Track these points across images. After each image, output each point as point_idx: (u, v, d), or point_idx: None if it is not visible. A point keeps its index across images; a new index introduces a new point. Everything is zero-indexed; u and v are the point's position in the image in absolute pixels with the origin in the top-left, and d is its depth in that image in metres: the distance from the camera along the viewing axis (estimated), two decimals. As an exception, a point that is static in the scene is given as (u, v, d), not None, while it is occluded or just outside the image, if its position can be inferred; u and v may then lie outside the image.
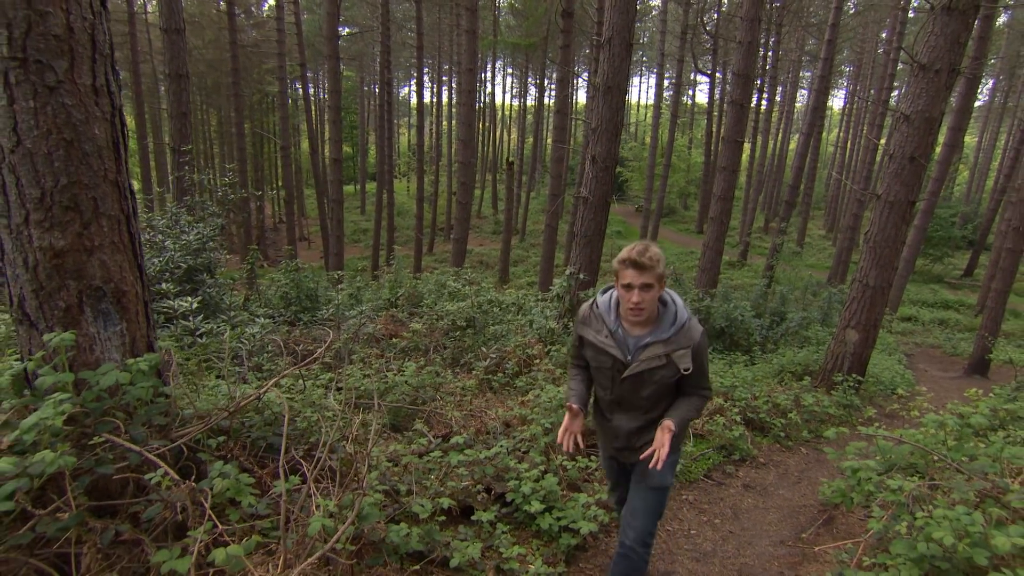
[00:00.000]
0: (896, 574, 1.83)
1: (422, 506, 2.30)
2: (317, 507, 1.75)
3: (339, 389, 3.82)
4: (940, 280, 27.29)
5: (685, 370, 2.04)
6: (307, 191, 43.92)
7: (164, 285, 5.24)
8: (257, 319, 5.53)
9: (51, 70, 1.68)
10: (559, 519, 2.72)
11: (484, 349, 5.95)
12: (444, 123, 45.45)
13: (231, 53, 22.75)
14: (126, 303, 2.00)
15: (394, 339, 6.62)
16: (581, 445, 2.15)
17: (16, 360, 2.19)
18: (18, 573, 1.30)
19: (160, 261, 5.90)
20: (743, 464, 4.10)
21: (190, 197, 7.32)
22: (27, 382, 1.87)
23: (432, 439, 3.34)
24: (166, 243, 6.16)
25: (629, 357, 2.08)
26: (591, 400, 2.34)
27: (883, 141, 26.21)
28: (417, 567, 2.16)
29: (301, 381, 3.46)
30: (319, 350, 3.15)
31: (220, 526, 1.43)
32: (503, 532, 2.53)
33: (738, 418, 4.49)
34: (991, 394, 3.56)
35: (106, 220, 1.89)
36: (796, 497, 3.70)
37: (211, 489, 1.48)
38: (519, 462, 2.92)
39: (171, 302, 4.91)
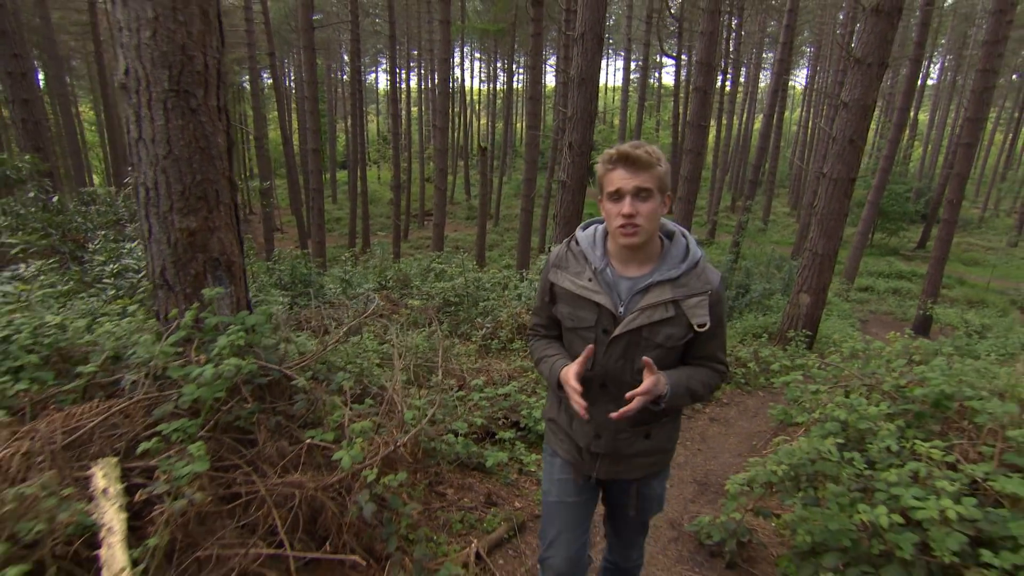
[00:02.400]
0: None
1: (461, 425, 2.97)
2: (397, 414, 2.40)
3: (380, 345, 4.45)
4: (896, 252, 28.78)
5: (700, 326, 1.44)
6: (278, 181, 43.70)
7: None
8: (277, 301, 6.09)
9: (194, 96, 2.26)
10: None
11: (480, 320, 6.62)
12: (414, 109, 45.55)
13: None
14: (234, 271, 2.60)
15: (394, 315, 7.25)
16: (585, 408, 1.43)
17: (143, 315, 2.79)
18: (222, 444, 1.92)
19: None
20: (709, 404, 4.86)
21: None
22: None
23: (451, 387, 4.01)
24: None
25: (622, 308, 1.46)
26: (550, 390, 1.71)
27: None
28: (459, 469, 2.84)
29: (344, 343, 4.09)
30: (363, 313, 3.78)
31: (349, 413, 2.08)
32: (521, 447, 3.22)
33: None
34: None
35: (223, 207, 2.49)
36: (753, 427, 4.48)
37: (340, 386, 2.11)
38: (528, 396, 3.61)
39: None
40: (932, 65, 43.74)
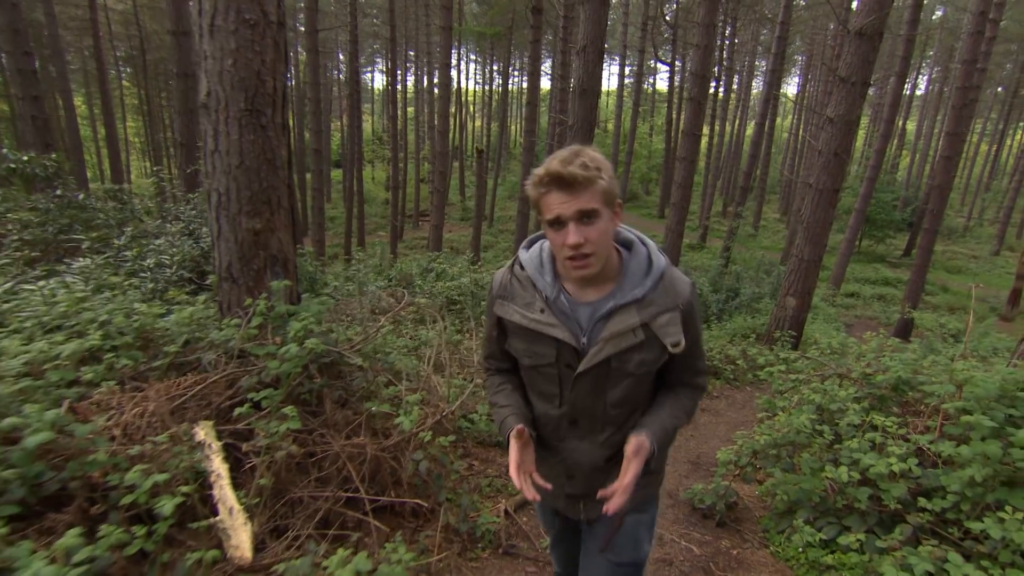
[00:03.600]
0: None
1: (483, 407, 3.34)
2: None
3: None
4: (882, 260, 29.42)
5: (674, 346, 1.25)
6: (274, 179, 43.75)
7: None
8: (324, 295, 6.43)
9: (264, 115, 2.62)
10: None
11: (484, 317, 7.01)
12: (410, 109, 45.86)
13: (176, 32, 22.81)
14: (289, 267, 2.96)
15: (402, 312, 7.61)
16: (548, 486, 1.28)
17: (203, 305, 3.14)
18: (297, 412, 2.28)
19: (192, 249, 6.71)
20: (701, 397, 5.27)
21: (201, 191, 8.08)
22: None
23: (470, 375, 4.39)
24: (199, 231, 6.96)
25: (584, 339, 1.27)
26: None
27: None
28: (481, 445, 3.21)
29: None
30: (397, 307, 4.14)
31: (404, 387, 2.45)
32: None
33: (696, 363, 5.69)
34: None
35: (282, 211, 2.85)
36: (740, 416, 4.88)
37: (392, 365, 2.48)
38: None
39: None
40: (920, 76, 44.65)
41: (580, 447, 1.37)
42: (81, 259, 4.20)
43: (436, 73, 31.91)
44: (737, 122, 40.02)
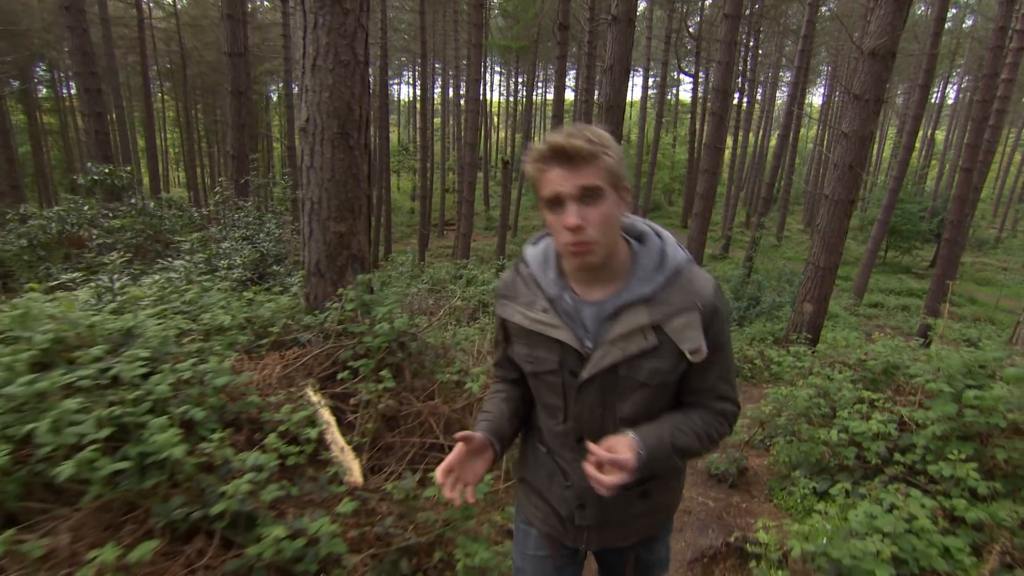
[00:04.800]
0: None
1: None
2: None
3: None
4: (908, 271, 29.24)
5: (692, 353, 1.08)
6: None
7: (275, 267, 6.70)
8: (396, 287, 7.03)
9: (352, 137, 3.18)
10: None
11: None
12: (436, 120, 46.86)
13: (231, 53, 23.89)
14: (365, 264, 3.50)
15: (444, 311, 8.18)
16: (469, 498, 1.16)
17: (290, 297, 3.70)
18: (383, 379, 2.81)
19: (252, 252, 7.35)
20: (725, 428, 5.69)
21: (254, 199, 8.76)
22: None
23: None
24: (256, 237, 7.60)
25: (589, 343, 1.12)
26: (523, 440, 1.39)
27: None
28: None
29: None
30: (447, 304, 4.67)
31: (473, 359, 2.96)
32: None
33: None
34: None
35: (362, 217, 3.39)
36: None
37: (459, 343, 3.00)
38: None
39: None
40: (950, 86, 44.24)
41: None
42: (175, 260, 4.81)
43: (463, 86, 32.74)
44: (761, 133, 40.13)
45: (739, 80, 32.34)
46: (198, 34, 33.65)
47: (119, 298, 3.27)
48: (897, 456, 2.44)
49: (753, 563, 2.08)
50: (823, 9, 31.74)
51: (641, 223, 1.22)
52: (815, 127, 53.57)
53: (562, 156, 1.00)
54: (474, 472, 1.16)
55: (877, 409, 2.79)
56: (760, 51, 35.36)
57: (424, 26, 23.69)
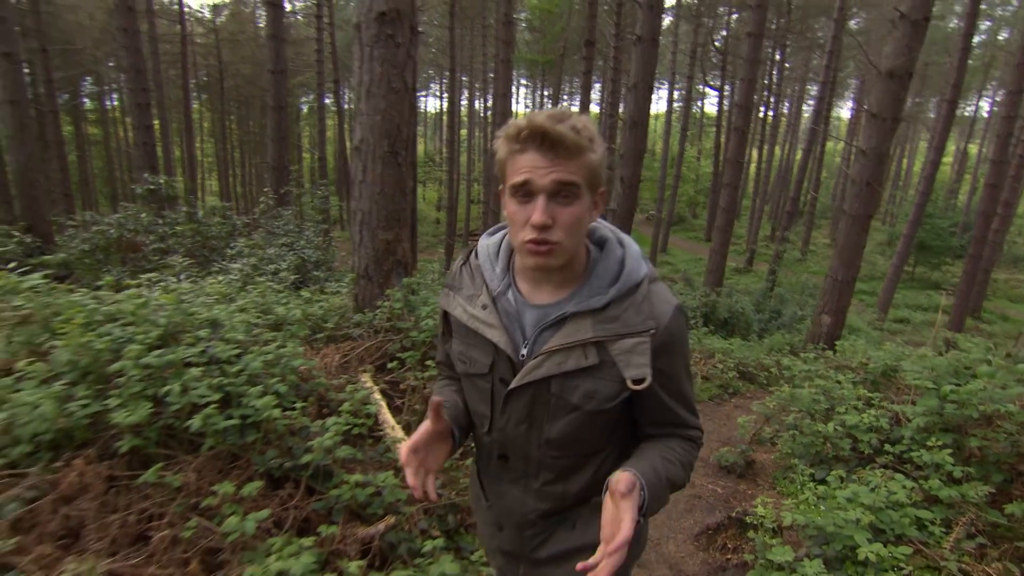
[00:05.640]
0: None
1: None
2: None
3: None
4: (937, 287, 28.82)
5: (636, 382, 0.95)
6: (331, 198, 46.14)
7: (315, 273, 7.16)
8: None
9: (400, 155, 3.57)
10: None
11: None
12: (463, 132, 47.63)
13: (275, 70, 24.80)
14: (409, 269, 3.89)
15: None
16: (431, 493, 1.00)
17: (341, 298, 4.09)
18: (427, 368, 3.17)
19: (294, 258, 7.83)
20: (735, 396, 5.93)
21: (293, 208, 9.27)
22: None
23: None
24: (296, 244, 8.09)
25: (525, 349, 1.01)
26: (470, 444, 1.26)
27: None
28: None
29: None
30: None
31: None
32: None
33: (732, 366, 6.34)
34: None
35: (406, 226, 3.78)
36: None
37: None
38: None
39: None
40: (983, 99, 43.58)
41: (510, 492, 1.12)
42: (231, 264, 5.27)
43: (490, 98, 33.35)
44: (788, 146, 39.98)
45: (764, 94, 32.41)
46: (235, 49, 34.92)
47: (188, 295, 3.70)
48: (887, 447, 2.71)
49: (751, 532, 2.37)
50: (851, 23, 31.72)
51: (605, 228, 1.08)
52: (843, 142, 52.98)
53: (542, 141, 0.87)
54: (435, 459, 1.02)
55: (873, 406, 3.06)
56: (787, 65, 35.38)
57: (453, 41, 24.35)
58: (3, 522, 1.49)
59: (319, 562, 1.67)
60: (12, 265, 3.87)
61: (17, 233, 7.58)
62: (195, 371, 1.91)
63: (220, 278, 4.25)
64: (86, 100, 34.32)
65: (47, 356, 2.13)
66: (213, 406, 1.86)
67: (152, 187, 7.92)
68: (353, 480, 1.90)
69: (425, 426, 0.98)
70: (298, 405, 2.15)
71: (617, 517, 0.84)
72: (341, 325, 3.56)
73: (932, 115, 41.79)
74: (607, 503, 0.89)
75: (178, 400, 1.85)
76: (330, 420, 2.07)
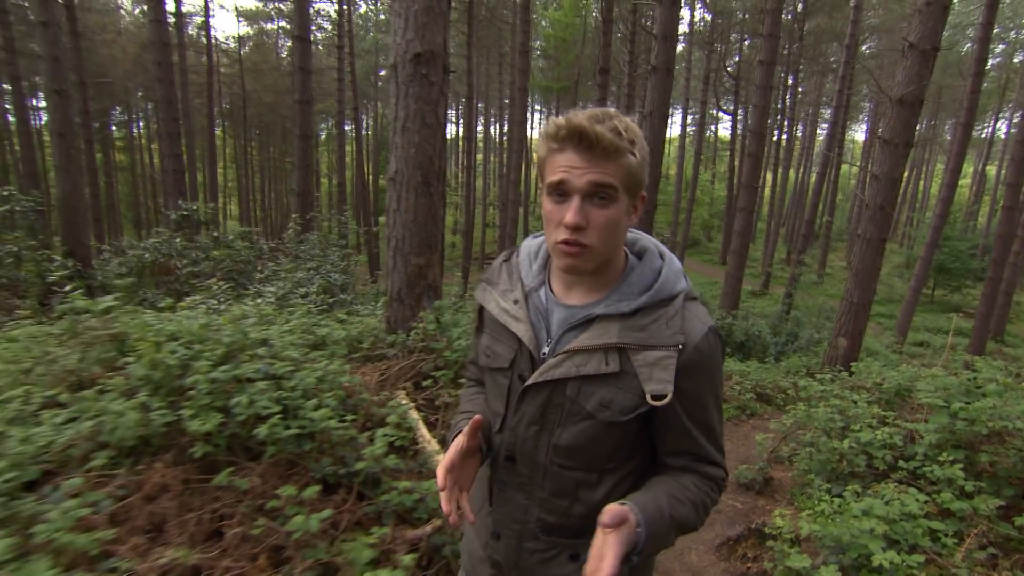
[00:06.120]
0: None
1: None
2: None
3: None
4: (958, 309, 28.48)
5: (656, 398, 0.91)
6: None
7: (343, 296, 7.40)
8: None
9: (432, 185, 3.80)
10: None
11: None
12: (478, 156, 48.39)
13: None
14: (439, 292, 4.09)
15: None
16: (469, 516, 0.99)
17: (375, 320, 4.30)
18: (460, 385, 3.35)
19: (322, 281, 8.10)
20: (752, 417, 6.01)
21: (317, 233, 9.58)
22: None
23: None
24: (322, 268, 8.36)
25: (547, 347, 1.02)
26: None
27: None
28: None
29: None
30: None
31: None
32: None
33: (749, 388, 6.44)
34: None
35: (437, 252, 3.99)
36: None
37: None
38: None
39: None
40: (1000, 120, 43.47)
41: (514, 499, 1.07)
42: (266, 287, 5.52)
43: (506, 124, 33.94)
44: (802, 169, 40.08)
45: (778, 117, 32.66)
46: (258, 78, 36.03)
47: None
48: (901, 463, 2.83)
49: (771, 541, 2.50)
50: (863, 48, 32.00)
51: (648, 240, 1.07)
52: (859, 162, 52.95)
53: (580, 140, 0.87)
54: (467, 474, 1.01)
55: (887, 424, 3.18)
56: (800, 89, 35.67)
57: (470, 69, 24.94)
58: (102, 515, 1.68)
59: (374, 559, 1.84)
60: (68, 288, 4.14)
61: (58, 257, 7.95)
62: (261, 384, 2.10)
63: (258, 300, 4.48)
64: (114, 128, 35.56)
65: (120, 371, 2.35)
66: (277, 417, 2.05)
67: (185, 213, 8.26)
68: (401, 486, 2.08)
69: (459, 443, 0.97)
70: (348, 418, 2.34)
71: (601, 552, 0.82)
72: (376, 345, 3.76)
73: (948, 137, 41.74)
74: (598, 534, 0.85)
75: (244, 411, 2.04)
76: (379, 431, 2.25)
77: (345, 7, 26.81)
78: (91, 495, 1.72)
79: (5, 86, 16.57)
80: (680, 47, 42.10)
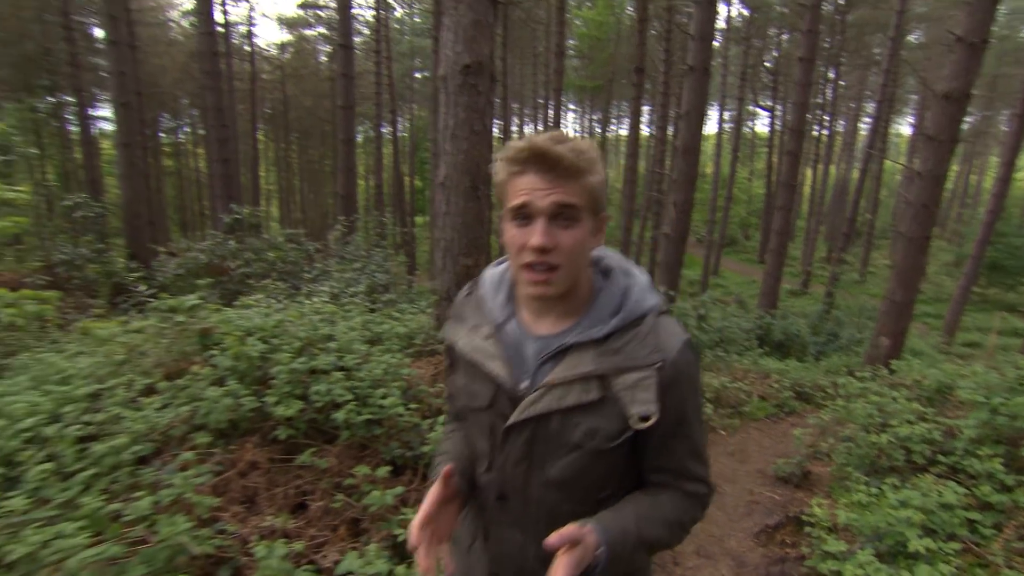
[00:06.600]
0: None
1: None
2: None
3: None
4: (1013, 309, 27.42)
5: (642, 419, 0.92)
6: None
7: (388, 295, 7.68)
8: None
9: (480, 189, 4.00)
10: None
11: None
12: (512, 158, 48.66)
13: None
14: (483, 291, 4.29)
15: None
16: (450, 569, 0.97)
17: (427, 317, 4.53)
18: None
19: (368, 280, 8.41)
20: (791, 415, 6.04)
21: (362, 234, 9.91)
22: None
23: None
24: (367, 268, 8.68)
25: (525, 382, 0.99)
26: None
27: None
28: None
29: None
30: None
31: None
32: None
33: (788, 386, 6.46)
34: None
35: (485, 252, 4.19)
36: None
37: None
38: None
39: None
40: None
41: (511, 538, 1.05)
42: (320, 286, 5.82)
43: (539, 123, 34.11)
44: (843, 165, 39.09)
45: (818, 112, 31.94)
46: (298, 83, 36.99)
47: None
48: (940, 457, 2.90)
49: (808, 528, 2.61)
50: (910, 38, 31.02)
51: (611, 258, 1.07)
52: (902, 158, 51.28)
53: (541, 162, 0.87)
54: (446, 522, 1.00)
55: (927, 420, 3.24)
56: (841, 83, 34.81)
57: (505, 70, 25.15)
58: (207, 486, 1.92)
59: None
60: (143, 288, 4.48)
61: (122, 260, 8.46)
62: (336, 375, 2.33)
63: (313, 300, 4.76)
64: (162, 135, 37.05)
65: (206, 363, 2.61)
66: (352, 403, 2.27)
67: (238, 216, 8.68)
68: (464, 467, 2.28)
69: (433, 494, 0.95)
70: (412, 406, 2.55)
71: (552, 573, 0.83)
72: (427, 342, 3.98)
73: (1005, 129, 40.08)
74: (559, 553, 0.85)
75: (322, 399, 2.26)
76: (438, 419, 2.45)
77: (382, 12, 27.39)
78: (197, 468, 1.96)
79: (69, 98, 17.48)
80: (716, 44, 41.48)
